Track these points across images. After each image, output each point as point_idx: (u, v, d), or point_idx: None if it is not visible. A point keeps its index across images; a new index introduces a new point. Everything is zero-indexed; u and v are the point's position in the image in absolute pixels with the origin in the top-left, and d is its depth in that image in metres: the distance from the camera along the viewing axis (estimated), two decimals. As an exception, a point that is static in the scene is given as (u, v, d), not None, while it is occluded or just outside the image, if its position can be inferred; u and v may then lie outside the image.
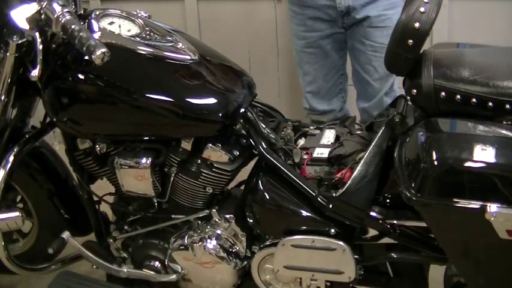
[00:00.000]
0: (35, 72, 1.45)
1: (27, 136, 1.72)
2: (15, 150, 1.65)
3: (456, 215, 1.28)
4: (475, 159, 1.24)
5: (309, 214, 1.53)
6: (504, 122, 1.33)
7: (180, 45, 1.58)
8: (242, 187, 1.69)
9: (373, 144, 1.49)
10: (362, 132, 1.66)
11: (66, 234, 1.75)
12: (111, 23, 1.55)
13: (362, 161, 1.48)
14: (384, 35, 2.09)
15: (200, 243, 1.61)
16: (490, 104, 1.33)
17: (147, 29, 1.58)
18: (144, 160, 1.57)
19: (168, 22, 1.72)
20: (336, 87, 2.32)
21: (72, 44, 1.36)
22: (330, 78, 2.28)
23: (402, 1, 2.01)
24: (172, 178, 1.62)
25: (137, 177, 1.59)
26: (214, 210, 1.62)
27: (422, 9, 1.37)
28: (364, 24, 2.12)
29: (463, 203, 1.25)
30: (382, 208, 1.52)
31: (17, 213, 1.65)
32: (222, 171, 1.59)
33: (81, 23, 1.43)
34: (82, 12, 1.62)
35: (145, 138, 1.59)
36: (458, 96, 1.36)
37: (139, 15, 1.64)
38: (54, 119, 1.58)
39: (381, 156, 1.49)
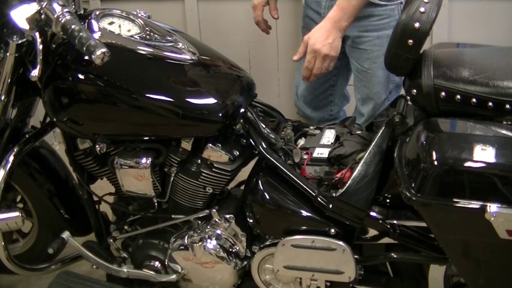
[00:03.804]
0: (35, 72, 1.44)
1: (27, 136, 1.72)
2: (15, 150, 1.65)
3: (456, 215, 1.28)
4: (475, 159, 1.24)
5: (309, 214, 1.53)
6: (504, 122, 1.33)
7: (180, 45, 1.59)
8: (242, 187, 1.69)
9: (373, 144, 1.49)
10: (362, 132, 1.65)
11: (66, 234, 1.76)
12: (111, 23, 1.56)
13: (362, 161, 1.48)
14: (363, 58, 1.99)
15: (200, 243, 1.61)
16: (490, 104, 1.33)
17: (147, 29, 1.58)
18: (144, 160, 1.57)
19: (168, 22, 1.72)
20: (325, 99, 2.20)
21: (72, 44, 1.36)
22: (317, 85, 2.16)
23: (389, 25, 1.94)
24: (172, 178, 1.62)
25: (137, 177, 1.59)
26: (214, 210, 1.62)
27: (422, 9, 1.38)
28: (347, 42, 2.01)
29: (463, 203, 1.25)
30: (382, 208, 1.52)
31: (17, 213, 1.64)
32: (222, 171, 1.59)
33: (81, 23, 1.43)
34: (82, 12, 1.62)
35: (145, 138, 1.59)
36: (458, 96, 1.36)
37: (139, 15, 1.64)
38: (54, 119, 1.58)
39: (380, 156, 1.49)
